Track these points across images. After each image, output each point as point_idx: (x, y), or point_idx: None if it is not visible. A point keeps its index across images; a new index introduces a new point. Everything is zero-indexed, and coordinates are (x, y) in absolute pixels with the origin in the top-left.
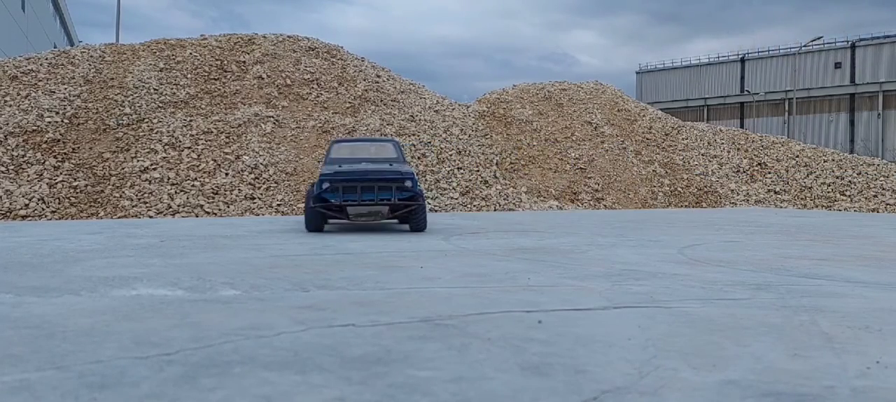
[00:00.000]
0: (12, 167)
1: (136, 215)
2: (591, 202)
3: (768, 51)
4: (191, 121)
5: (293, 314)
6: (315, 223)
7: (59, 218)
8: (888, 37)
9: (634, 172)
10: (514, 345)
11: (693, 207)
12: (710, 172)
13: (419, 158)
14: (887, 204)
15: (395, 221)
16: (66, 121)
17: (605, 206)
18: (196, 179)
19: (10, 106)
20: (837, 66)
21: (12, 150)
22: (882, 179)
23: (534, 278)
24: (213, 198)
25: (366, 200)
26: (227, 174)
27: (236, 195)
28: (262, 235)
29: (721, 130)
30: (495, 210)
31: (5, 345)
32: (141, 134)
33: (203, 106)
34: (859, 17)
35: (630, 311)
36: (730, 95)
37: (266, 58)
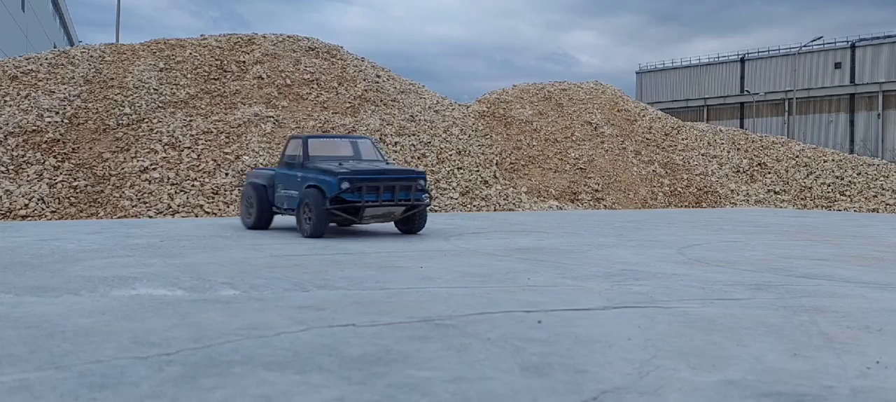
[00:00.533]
0: (12, 167)
1: (135, 215)
2: (591, 202)
3: (768, 51)
4: (191, 121)
5: (293, 314)
6: (322, 227)
7: (59, 218)
8: (888, 37)
9: (634, 173)
10: (514, 345)
11: (693, 207)
12: (709, 173)
13: (419, 158)
14: (887, 204)
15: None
16: (65, 121)
17: (605, 206)
18: (196, 179)
19: (10, 106)
20: (837, 66)
21: (12, 150)
22: (882, 179)
23: (534, 278)
24: (213, 198)
25: (385, 200)
26: (227, 174)
27: (236, 195)
28: (261, 235)
29: (721, 130)
30: (495, 210)
31: (5, 345)
32: (141, 134)
33: (203, 106)
34: (859, 17)
35: (630, 311)
36: (730, 95)
37: (266, 58)
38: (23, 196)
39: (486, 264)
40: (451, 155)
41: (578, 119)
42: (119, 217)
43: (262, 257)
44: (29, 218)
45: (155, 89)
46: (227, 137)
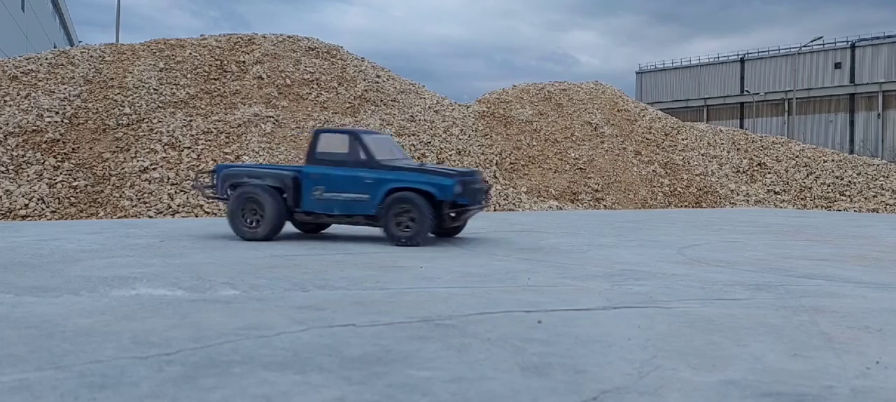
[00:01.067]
0: (12, 167)
1: (135, 215)
2: (591, 202)
3: (768, 51)
4: (191, 121)
5: (293, 314)
6: (427, 234)
7: (59, 218)
8: (888, 37)
9: (634, 173)
10: (513, 345)
11: (693, 207)
12: (709, 173)
13: (419, 158)
14: (887, 204)
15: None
16: (65, 121)
17: (604, 206)
18: (196, 179)
19: (10, 106)
20: (837, 66)
21: (12, 150)
22: (882, 179)
23: (534, 278)
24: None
25: (476, 203)
26: None
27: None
28: None
29: (721, 131)
30: (495, 210)
31: (5, 345)
32: (141, 134)
33: (203, 106)
34: (859, 18)
35: (630, 311)
36: (730, 95)
37: (266, 58)
38: (23, 196)
39: (486, 264)
40: (450, 155)
41: (578, 119)
42: (119, 217)
43: (262, 257)
44: (29, 218)
45: (155, 89)
46: (227, 137)
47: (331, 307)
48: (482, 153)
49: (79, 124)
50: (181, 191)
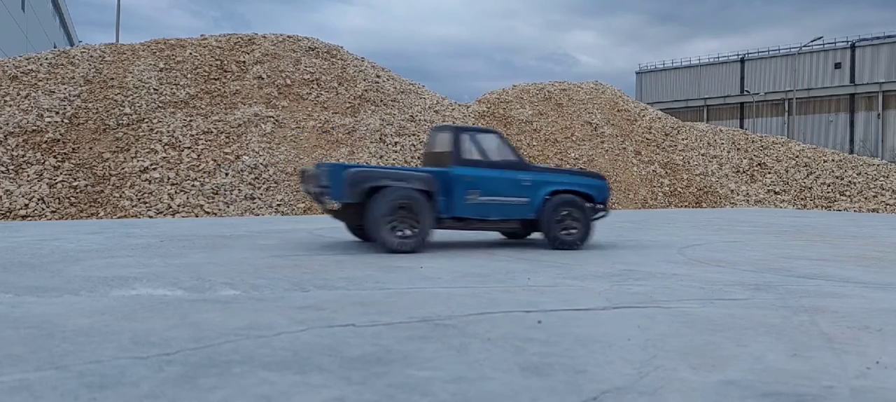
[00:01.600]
0: (12, 167)
1: (135, 215)
2: None
3: (768, 51)
4: (191, 121)
5: (293, 314)
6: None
7: (59, 218)
8: (888, 37)
9: (634, 173)
10: (513, 345)
11: (693, 207)
12: (709, 173)
13: (419, 158)
14: (887, 204)
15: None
16: (66, 121)
17: None
18: (196, 179)
19: (10, 106)
20: (837, 66)
21: (12, 150)
22: (882, 179)
23: (534, 278)
24: (213, 198)
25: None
26: (227, 174)
27: (236, 195)
28: (261, 235)
29: (721, 131)
30: None
31: (5, 345)
32: (141, 134)
33: (203, 106)
34: (859, 18)
35: (630, 311)
36: (730, 95)
37: (266, 58)
38: (23, 196)
39: (486, 264)
40: None
41: (578, 119)
42: (119, 217)
43: (262, 257)
44: (29, 218)
45: (155, 89)
46: (227, 137)
47: (331, 307)
48: None
49: (79, 124)
50: (181, 191)
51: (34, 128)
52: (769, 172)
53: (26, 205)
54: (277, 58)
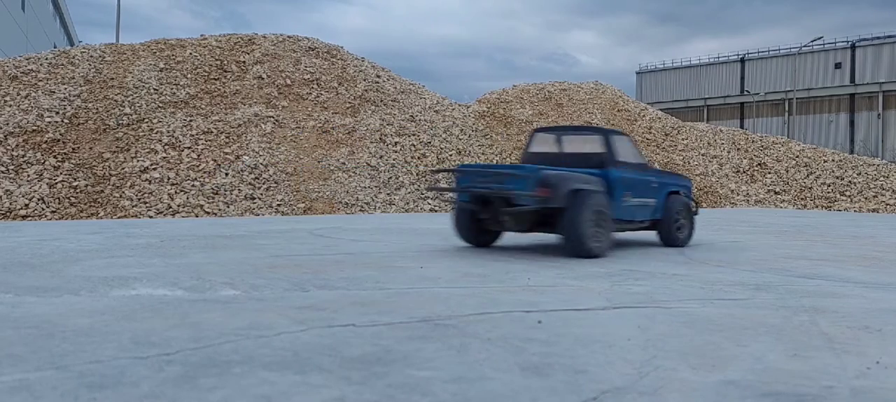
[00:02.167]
0: (12, 167)
1: (136, 215)
2: None
3: (768, 51)
4: (191, 121)
5: (293, 314)
6: None
7: (59, 218)
8: (888, 37)
9: None
10: (513, 345)
11: None
12: (710, 173)
13: (419, 158)
14: (887, 204)
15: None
16: (66, 121)
17: None
18: (196, 179)
19: (10, 106)
20: (837, 66)
21: (12, 150)
22: (882, 179)
23: (534, 278)
24: (213, 198)
25: None
26: (227, 174)
27: (236, 195)
28: (261, 235)
29: (721, 131)
30: None
31: (5, 345)
32: (141, 134)
33: (203, 106)
34: (859, 18)
35: (630, 311)
36: (730, 95)
37: (266, 58)
38: (23, 196)
39: (485, 264)
40: (451, 155)
41: (578, 119)
42: (119, 217)
43: (262, 257)
44: (29, 218)
45: (155, 89)
46: (227, 137)
47: (331, 307)
48: (482, 153)
49: (79, 124)
50: (181, 191)
51: (34, 128)
52: (769, 172)
53: (26, 205)
54: (277, 58)
